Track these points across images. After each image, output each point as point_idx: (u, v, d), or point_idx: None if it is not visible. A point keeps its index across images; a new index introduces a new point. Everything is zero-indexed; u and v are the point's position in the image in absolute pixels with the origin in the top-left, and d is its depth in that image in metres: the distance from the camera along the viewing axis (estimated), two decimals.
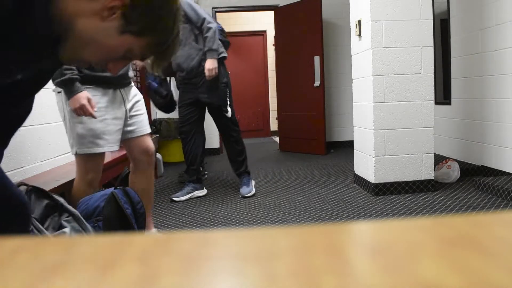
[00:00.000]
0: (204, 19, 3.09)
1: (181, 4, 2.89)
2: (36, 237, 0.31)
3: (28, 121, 2.40)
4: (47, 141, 2.65)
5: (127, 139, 2.08)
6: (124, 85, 2.04)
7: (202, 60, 3.13)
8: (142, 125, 2.13)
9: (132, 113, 2.08)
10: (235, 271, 0.25)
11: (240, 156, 3.38)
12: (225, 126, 3.33)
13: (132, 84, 2.13)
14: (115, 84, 1.97)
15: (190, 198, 3.29)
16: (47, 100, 2.69)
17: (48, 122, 2.68)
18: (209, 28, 3.08)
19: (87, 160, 1.94)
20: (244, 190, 3.30)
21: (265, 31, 8.45)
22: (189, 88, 3.25)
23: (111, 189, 2.01)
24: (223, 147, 5.89)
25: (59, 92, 1.93)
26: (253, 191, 3.33)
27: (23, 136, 2.36)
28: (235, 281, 0.24)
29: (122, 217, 1.97)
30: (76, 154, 1.93)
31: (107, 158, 2.93)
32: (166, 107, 3.95)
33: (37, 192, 1.72)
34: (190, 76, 3.20)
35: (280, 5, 5.70)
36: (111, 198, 1.94)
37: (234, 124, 3.34)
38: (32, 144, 2.46)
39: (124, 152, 3.14)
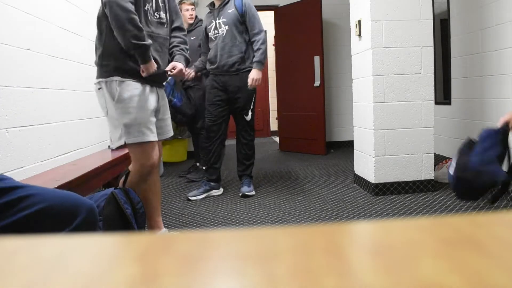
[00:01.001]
0: (262, 31, 3.34)
1: (247, 7, 3.06)
2: (35, 237, 0.31)
3: (28, 121, 2.41)
4: (47, 141, 2.65)
5: None
6: (160, 85, 2.14)
7: (237, 63, 3.25)
8: (167, 130, 2.22)
9: (160, 116, 2.15)
10: (235, 271, 0.25)
11: (248, 160, 3.43)
12: (242, 128, 3.40)
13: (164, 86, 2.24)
14: (153, 81, 2.05)
15: (206, 197, 3.31)
16: (47, 100, 2.69)
17: (48, 122, 2.68)
18: (264, 42, 3.33)
19: (142, 148, 2.01)
20: (244, 189, 3.32)
21: (265, 31, 8.45)
22: (218, 86, 3.32)
23: (111, 189, 2.02)
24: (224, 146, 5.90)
25: (99, 89, 2.01)
26: (254, 192, 3.35)
27: (23, 136, 2.36)
28: (235, 281, 0.24)
29: (122, 217, 1.97)
30: (130, 145, 2.02)
31: (107, 158, 2.93)
32: (188, 123, 4.12)
33: None
34: (218, 71, 3.30)
35: (280, 5, 5.70)
36: (111, 198, 1.94)
37: (251, 129, 3.41)
38: (32, 144, 2.46)
39: (124, 152, 3.14)
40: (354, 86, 3.53)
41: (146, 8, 1.99)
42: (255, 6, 5.74)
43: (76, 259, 0.27)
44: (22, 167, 2.33)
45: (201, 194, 3.31)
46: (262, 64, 3.25)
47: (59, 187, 2.10)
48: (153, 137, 2.02)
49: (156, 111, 2.12)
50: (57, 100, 2.83)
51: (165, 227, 2.48)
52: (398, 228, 0.31)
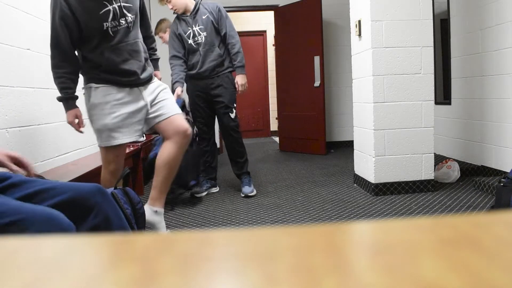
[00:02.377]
0: (236, 34, 3.31)
1: (222, 11, 3.11)
2: (35, 237, 0.31)
3: (28, 121, 2.41)
4: (47, 141, 2.65)
5: (157, 124, 2.18)
6: (139, 85, 2.14)
7: (217, 66, 3.24)
8: (167, 108, 2.18)
9: (155, 101, 2.17)
10: (235, 271, 0.25)
11: (241, 157, 3.41)
12: (227, 127, 3.36)
13: (153, 80, 2.22)
14: (128, 85, 2.09)
15: (207, 194, 3.46)
16: (47, 100, 2.69)
17: (48, 122, 2.68)
18: (240, 45, 3.30)
19: (108, 152, 2.11)
20: (246, 189, 3.32)
21: (265, 31, 8.45)
22: (200, 90, 3.33)
23: (111, 189, 2.01)
24: (223, 147, 5.90)
25: (84, 94, 2.13)
26: (255, 192, 3.35)
27: (23, 136, 2.36)
28: (235, 281, 0.24)
29: None
30: (100, 147, 2.13)
31: None
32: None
33: None
34: (198, 76, 3.30)
35: (280, 5, 5.70)
36: None
37: (236, 126, 3.39)
38: (32, 144, 2.46)
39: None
40: (354, 86, 3.53)
41: (104, 27, 1.97)
42: (255, 6, 5.80)
43: (76, 259, 0.27)
44: None
45: (204, 191, 3.44)
46: (243, 67, 3.29)
47: None
48: (124, 139, 2.09)
49: (153, 101, 2.16)
50: (57, 100, 2.83)
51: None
52: (398, 228, 0.31)
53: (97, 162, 2.77)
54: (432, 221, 0.31)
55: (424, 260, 0.24)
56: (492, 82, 3.48)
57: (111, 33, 1.99)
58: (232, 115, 3.34)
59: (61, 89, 2.03)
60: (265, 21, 8.03)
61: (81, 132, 2.11)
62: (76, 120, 2.08)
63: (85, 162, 2.90)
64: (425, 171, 3.19)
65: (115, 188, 2.04)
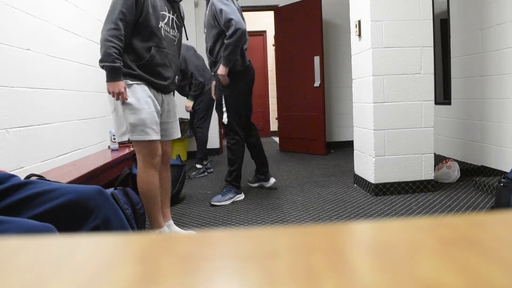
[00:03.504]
0: (231, 24, 2.89)
1: (215, 5, 3.24)
2: (36, 237, 0.31)
3: (28, 121, 2.41)
4: (47, 141, 2.65)
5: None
6: (166, 92, 2.30)
7: (211, 66, 3.14)
8: (172, 132, 2.38)
9: (163, 119, 2.31)
10: (235, 271, 0.25)
11: (231, 166, 3.19)
12: (225, 131, 3.23)
13: (171, 93, 2.40)
14: (156, 88, 2.21)
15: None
16: (47, 100, 2.69)
17: (48, 122, 2.68)
18: (232, 35, 2.90)
19: (145, 146, 2.16)
20: (216, 198, 3.13)
21: (265, 31, 8.46)
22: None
23: (111, 189, 2.02)
24: (223, 147, 5.91)
25: None
26: (225, 203, 3.09)
27: (23, 136, 2.36)
28: (235, 281, 0.24)
29: None
30: (135, 142, 2.17)
31: (107, 159, 2.93)
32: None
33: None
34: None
35: (280, 5, 5.70)
36: None
37: (231, 132, 3.16)
38: (32, 144, 2.46)
39: (124, 153, 3.14)
40: (354, 86, 3.53)
41: (159, 25, 2.16)
42: (255, 6, 5.80)
43: (76, 259, 0.27)
44: (22, 167, 2.33)
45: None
46: (228, 60, 2.93)
47: None
48: (155, 136, 2.16)
49: (160, 115, 2.26)
50: (57, 100, 2.83)
51: None
52: (398, 228, 0.31)
53: (97, 162, 2.77)
54: (432, 221, 0.31)
55: (424, 260, 0.24)
56: (492, 82, 3.48)
57: (162, 33, 2.18)
58: (224, 121, 3.13)
59: (114, 59, 2.02)
60: (265, 21, 8.04)
61: (125, 100, 2.09)
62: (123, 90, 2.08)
63: (85, 162, 2.90)
64: (425, 171, 3.19)
65: (115, 188, 2.05)
